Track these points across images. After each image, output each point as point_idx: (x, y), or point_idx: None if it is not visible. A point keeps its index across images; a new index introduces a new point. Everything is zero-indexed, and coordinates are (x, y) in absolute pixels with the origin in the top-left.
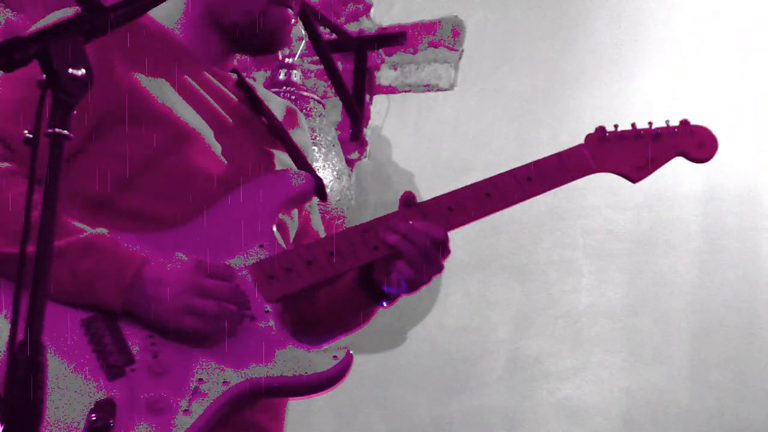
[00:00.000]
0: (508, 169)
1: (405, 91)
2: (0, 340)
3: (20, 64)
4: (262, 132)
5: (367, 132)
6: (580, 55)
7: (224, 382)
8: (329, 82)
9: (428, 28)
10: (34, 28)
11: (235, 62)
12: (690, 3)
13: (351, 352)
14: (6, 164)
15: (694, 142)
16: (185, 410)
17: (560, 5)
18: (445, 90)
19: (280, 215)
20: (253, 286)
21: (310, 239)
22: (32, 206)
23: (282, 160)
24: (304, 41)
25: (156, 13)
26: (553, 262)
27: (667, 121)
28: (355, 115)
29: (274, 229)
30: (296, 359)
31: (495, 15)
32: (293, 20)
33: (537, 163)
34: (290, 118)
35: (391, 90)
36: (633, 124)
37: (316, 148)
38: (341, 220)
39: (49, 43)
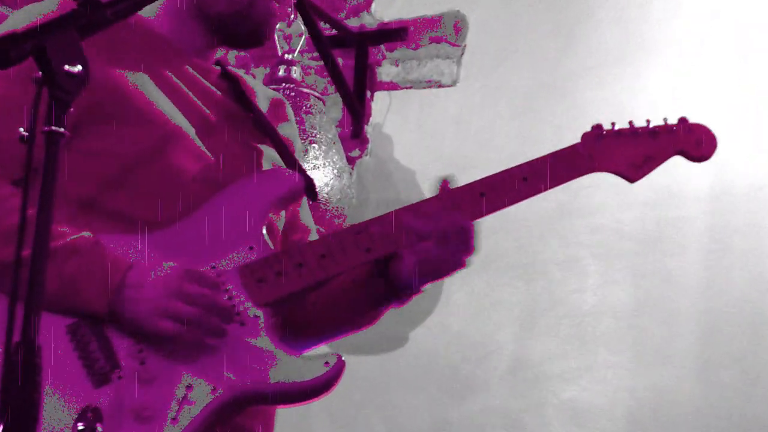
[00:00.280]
0: (509, 167)
1: (407, 88)
2: None
3: (16, 61)
4: (248, 127)
5: (368, 129)
6: (584, 51)
7: (213, 390)
8: (329, 79)
9: (430, 23)
10: (12, 20)
11: (218, 54)
12: (690, 2)
13: (343, 358)
14: None
15: (693, 140)
16: (173, 419)
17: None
18: (448, 86)
19: (270, 215)
20: (241, 290)
21: (300, 234)
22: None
23: (269, 155)
24: (304, 37)
25: None
26: (558, 262)
27: (665, 119)
28: (356, 112)
29: (264, 230)
30: (287, 366)
31: (498, 10)
32: (292, 16)
33: (531, 163)
34: (277, 111)
35: (392, 86)
36: (630, 122)
37: (316, 146)
38: (342, 219)
39: (45, 40)
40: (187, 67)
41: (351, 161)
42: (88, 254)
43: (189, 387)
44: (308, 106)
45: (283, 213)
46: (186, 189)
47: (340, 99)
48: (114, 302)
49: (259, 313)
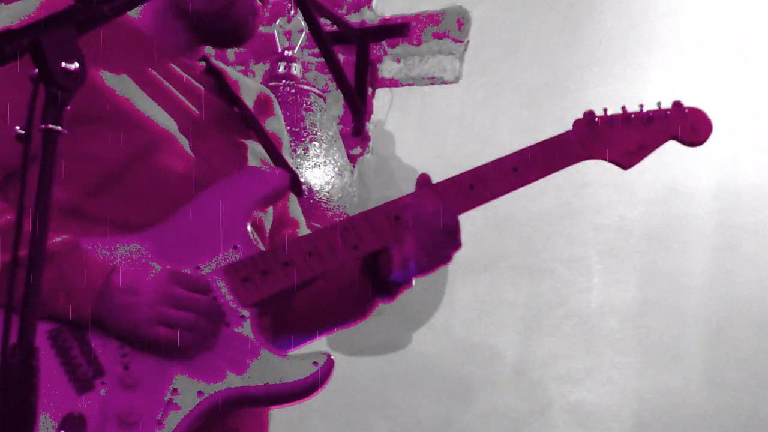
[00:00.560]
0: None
1: (408, 84)
2: None
3: (12, 58)
4: (234, 123)
5: (370, 127)
6: (588, 46)
7: (199, 393)
8: (330, 76)
9: (432, 19)
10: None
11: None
12: (691, 2)
13: (332, 357)
14: None
15: (688, 125)
16: (159, 423)
17: None
18: (450, 83)
19: (255, 213)
20: (227, 290)
21: (290, 228)
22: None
23: (255, 151)
24: (304, 33)
25: None
26: (563, 261)
27: (659, 103)
28: (357, 109)
29: (249, 228)
30: (274, 367)
31: (501, 5)
32: (292, 11)
33: (521, 153)
34: (264, 106)
35: (394, 83)
36: (623, 108)
37: (317, 144)
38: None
39: (42, 36)
40: (172, 64)
41: (352, 159)
42: (69, 258)
43: (175, 391)
44: (308, 103)
45: (270, 209)
46: (173, 191)
47: (341, 96)
48: (100, 307)
49: (246, 313)
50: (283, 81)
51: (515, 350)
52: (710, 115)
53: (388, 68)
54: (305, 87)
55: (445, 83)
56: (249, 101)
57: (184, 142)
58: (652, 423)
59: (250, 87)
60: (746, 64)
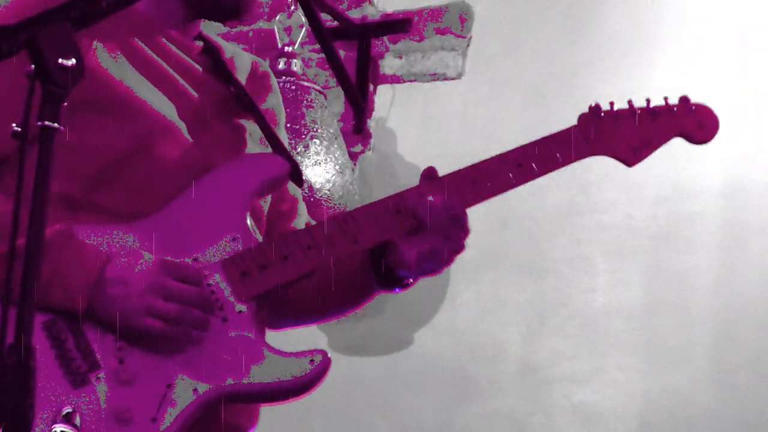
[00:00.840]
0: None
1: (410, 81)
2: None
3: (7, 54)
4: (232, 104)
5: (371, 124)
6: (593, 42)
7: (194, 389)
8: (331, 72)
9: (434, 14)
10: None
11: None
12: (691, 2)
13: (329, 356)
14: None
15: (695, 122)
16: (154, 419)
17: None
18: (453, 79)
19: (254, 201)
20: (226, 284)
21: (288, 204)
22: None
23: (254, 132)
24: (304, 29)
25: None
26: (567, 260)
27: (665, 98)
28: (359, 106)
29: (248, 218)
30: (270, 365)
31: (504, 1)
32: (292, 7)
33: (525, 148)
34: (261, 81)
35: (395, 79)
36: (629, 102)
37: (317, 141)
38: None
39: (38, 32)
40: (164, 40)
41: (353, 157)
42: (64, 248)
43: (170, 386)
44: (309, 100)
45: (269, 198)
46: (174, 180)
47: (342, 93)
48: (94, 297)
49: (244, 308)
50: (284, 77)
51: (519, 350)
52: (717, 112)
53: (389, 64)
54: (306, 83)
55: (448, 79)
56: (243, 75)
57: (183, 128)
58: (658, 424)
59: (244, 60)
60: (746, 63)
